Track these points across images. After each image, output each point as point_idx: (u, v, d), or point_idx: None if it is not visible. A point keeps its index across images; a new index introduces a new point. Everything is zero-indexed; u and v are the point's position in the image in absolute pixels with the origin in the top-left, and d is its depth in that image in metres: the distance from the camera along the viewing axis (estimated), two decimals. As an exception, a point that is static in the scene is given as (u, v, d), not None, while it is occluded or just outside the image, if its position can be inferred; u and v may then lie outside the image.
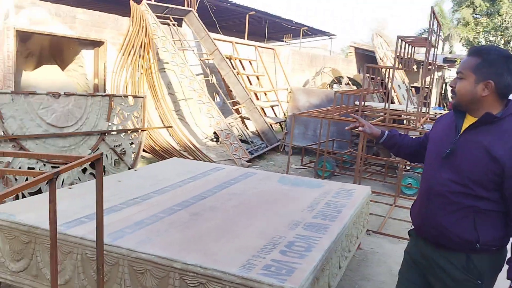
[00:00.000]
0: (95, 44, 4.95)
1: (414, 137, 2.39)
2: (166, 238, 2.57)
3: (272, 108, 11.43)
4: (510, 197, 1.74)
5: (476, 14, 26.33)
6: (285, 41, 17.11)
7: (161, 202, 3.27)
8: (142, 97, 5.57)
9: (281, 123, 10.76)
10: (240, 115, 9.86)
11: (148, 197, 3.37)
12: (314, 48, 22.89)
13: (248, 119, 9.90)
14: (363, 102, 6.25)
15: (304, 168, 7.64)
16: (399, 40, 5.02)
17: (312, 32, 19.24)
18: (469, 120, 1.86)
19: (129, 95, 5.28)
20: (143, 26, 7.76)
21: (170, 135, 8.29)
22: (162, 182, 3.81)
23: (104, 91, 5.16)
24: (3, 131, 3.88)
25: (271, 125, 10.81)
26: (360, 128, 2.38)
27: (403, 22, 69.64)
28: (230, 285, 2.17)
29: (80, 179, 4.66)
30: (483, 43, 24.59)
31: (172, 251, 2.37)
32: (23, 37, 4.56)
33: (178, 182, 3.86)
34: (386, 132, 2.33)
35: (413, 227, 2.11)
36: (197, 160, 7.64)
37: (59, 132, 4.38)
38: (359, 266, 3.84)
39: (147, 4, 8.10)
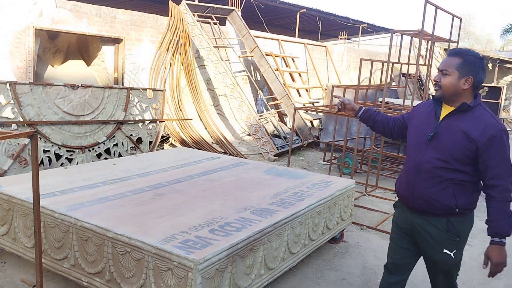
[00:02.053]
0: (115, 41, 5.40)
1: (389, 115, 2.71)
2: (115, 212, 2.85)
3: (313, 104, 11.42)
4: (482, 169, 2.19)
5: None
6: (340, 39, 16.89)
7: (137, 183, 3.58)
8: (162, 91, 5.95)
9: (318, 119, 10.74)
10: (278, 110, 10.02)
11: (128, 179, 3.69)
12: (380, 45, 22.28)
13: (286, 115, 10.02)
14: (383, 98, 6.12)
15: (329, 164, 7.62)
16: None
17: (373, 29, 18.77)
18: (446, 109, 2.28)
19: (148, 88, 5.68)
20: (180, 25, 8.21)
21: (205, 128, 8.67)
22: (151, 167, 4.13)
23: (122, 84, 5.60)
24: (21, 116, 4.42)
25: (311, 121, 10.85)
26: (339, 105, 2.70)
27: (491, 17, 64.58)
28: (148, 254, 2.40)
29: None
30: None
31: (111, 223, 2.65)
32: (51, 35, 5.13)
33: (166, 167, 4.16)
34: (363, 108, 2.69)
35: (397, 199, 2.53)
36: (227, 153, 7.94)
37: (75, 120, 4.87)
38: (334, 257, 3.87)
39: (186, 4, 8.54)
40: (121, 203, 3.05)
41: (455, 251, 2.29)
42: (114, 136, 5.33)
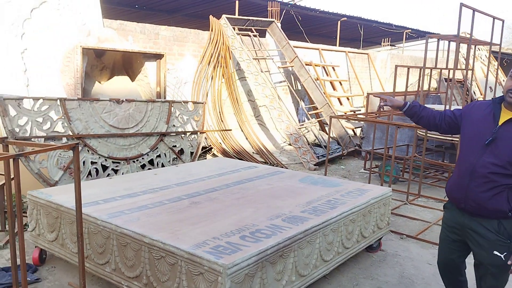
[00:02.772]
0: (157, 56, 5.66)
1: (435, 109, 2.76)
2: (152, 220, 3.00)
3: (354, 113, 11.31)
4: None
5: None
6: (383, 45, 16.63)
7: (175, 192, 3.73)
8: (202, 103, 6.15)
9: (357, 128, 10.62)
10: (319, 119, 10.01)
11: (167, 188, 3.86)
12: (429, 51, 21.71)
13: (327, 124, 9.99)
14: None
15: (372, 173, 7.53)
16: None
17: (418, 34, 18.36)
18: (506, 114, 2.31)
19: (189, 101, 5.89)
20: (221, 39, 8.44)
21: (246, 138, 8.82)
22: (190, 177, 4.29)
23: (164, 98, 5.84)
24: (70, 130, 4.73)
25: (353, 130, 10.74)
26: (382, 103, 2.82)
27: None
28: (181, 259, 2.52)
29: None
30: None
31: (148, 229, 2.80)
32: (98, 53, 5.46)
33: (204, 177, 4.30)
34: (408, 103, 2.73)
35: (448, 200, 2.60)
36: (267, 162, 8.03)
37: (120, 132, 5.14)
38: (371, 266, 3.83)
39: (226, 17, 8.77)
40: (159, 211, 3.20)
41: (505, 253, 2.32)
42: (157, 148, 5.55)
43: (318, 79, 10.56)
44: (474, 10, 4.27)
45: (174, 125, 5.74)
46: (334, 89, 11.39)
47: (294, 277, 2.86)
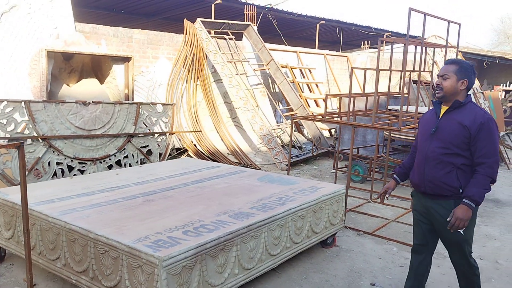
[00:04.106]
0: (125, 59, 5.76)
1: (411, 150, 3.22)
2: (102, 216, 3.11)
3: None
4: (474, 150, 2.67)
5: None
6: (363, 49, 16.88)
7: (132, 190, 3.84)
8: (171, 105, 6.26)
9: (332, 129, 10.80)
10: (294, 120, 10.17)
11: (126, 187, 3.96)
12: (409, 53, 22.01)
13: (302, 125, 10.15)
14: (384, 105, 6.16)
15: (343, 173, 7.70)
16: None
17: (398, 37, 18.63)
18: (444, 108, 2.81)
19: (157, 103, 6.00)
20: (195, 41, 8.57)
21: (221, 140, 8.94)
22: (151, 176, 4.39)
23: (132, 99, 5.94)
24: (35, 132, 4.81)
25: (329, 131, 10.92)
26: (387, 195, 3.17)
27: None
28: (122, 252, 2.63)
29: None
30: None
31: (95, 225, 2.91)
32: (66, 57, 5.55)
33: (164, 176, 4.41)
34: (394, 176, 3.21)
35: (413, 189, 3.02)
36: (241, 163, 8.16)
37: (86, 134, 5.23)
38: (323, 261, 3.97)
39: (201, 21, 8.90)
40: (111, 208, 3.31)
41: (464, 229, 2.67)
42: (124, 149, 5.65)
43: (293, 82, 10.72)
44: (424, 14, 4.44)
45: (141, 127, 5.84)
46: (311, 91, 11.56)
47: (237, 270, 2.98)
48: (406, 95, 6.20)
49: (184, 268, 2.57)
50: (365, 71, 5.84)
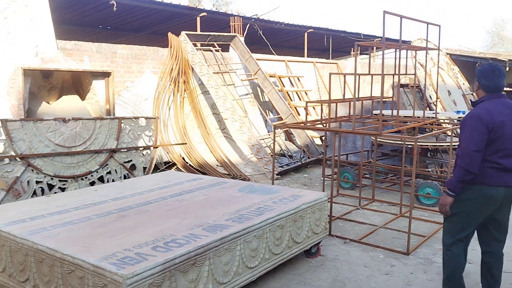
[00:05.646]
0: (105, 74, 5.74)
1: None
2: (72, 234, 3.02)
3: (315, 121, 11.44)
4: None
5: None
6: (353, 55, 16.88)
7: (108, 207, 3.75)
8: (154, 118, 6.20)
9: (323, 136, 10.74)
10: (285, 129, 10.11)
11: (102, 203, 3.87)
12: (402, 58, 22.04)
13: (293, 134, 10.10)
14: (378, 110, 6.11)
15: (330, 180, 7.60)
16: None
17: (372, 41, 18.67)
18: None
19: (140, 117, 5.94)
20: (180, 54, 8.54)
21: (210, 152, 8.87)
22: (130, 191, 4.31)
23: (113, 115, 5.89)
24: (13, 151, 4.74)
25: (320, 138, 10.85)
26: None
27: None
28: (87, 271, 2.54)
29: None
30: None
31: (63, 244, 2.82)
32: (45, 74, 5.52)
33: (144, 191, 4.32)
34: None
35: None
36: (231, 174, 8.08)
37: (66, 151, 5.16)
38: (307, 271, 3.87)
39: (186, 34, 8.88)
40: (83, 226, 3.23)
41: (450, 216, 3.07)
42: (107, 164, 5.58)
43: (281, 90, 10.69)
44: (401, 16, 4.41)
45: (124, 142, 5.77)
46: (301, 99, 11.52)
47: (211, 285, 2.89)
48: (389, 99, 6.15)
49: (151, 286, 2.48)
50: (344, 76, 5.80)
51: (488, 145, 2.89)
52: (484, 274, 3.19)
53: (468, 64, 16.95)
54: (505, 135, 2.88)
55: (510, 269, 3.83)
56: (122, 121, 5.74)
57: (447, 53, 14.11)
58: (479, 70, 3.07)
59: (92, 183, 5.43)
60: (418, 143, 4.81)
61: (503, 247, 3.16)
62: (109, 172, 5.61)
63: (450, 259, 3.08)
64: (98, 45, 7.47)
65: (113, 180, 5.59)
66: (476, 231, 3.14)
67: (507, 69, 14.60)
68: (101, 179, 5.54)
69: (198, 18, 10.69)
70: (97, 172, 5.46)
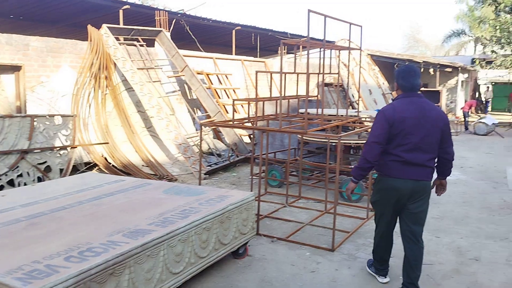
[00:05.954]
0: (15, 68, 5.26)
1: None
2: (-30, 247, 2.69)
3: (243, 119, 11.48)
4: None
5: (498, 12, 25.22)
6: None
7: (16, 214, 3.41)
8: (72, 116, 5.79)
9: (251, 135, 10.80)
10: (213, 127, 9.98)
11: (9, 210, 3.52)
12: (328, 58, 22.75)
13: (221, 132, 10.01)
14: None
15: (258, 178, 7.61)
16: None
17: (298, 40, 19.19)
18: None
19: (56, 115, 5.53)
20: (101, 48, 8.09)
21: (136, 151, 8.51)
22: (43, 196, 3.96)
23: (25, 112, 5.42)
24: None
25: (249, 136, 10.87)
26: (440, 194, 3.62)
27: (438, 24, 67.13)
28: (-13, 290, 2.26)
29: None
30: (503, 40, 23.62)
31: (-41, 259, 2.49)
32: None
33: (59, 195, 3.99)
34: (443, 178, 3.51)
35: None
36: (157, 175, 7.80)
37: (-32, 152, 4.64)
38: (235, 273, 3.80)
39: (108, 27, 8.44)
40: (-15, 237, 2.89)
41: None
42: (18, 166, 5.12)
43: (209, 88, 10.55)
44: (325, 16, 4.47)
45: (37, 142, 5.33)
46: (229, 97, 11.45)
47: (132, 294, 2.72)
48: (314, 98, 6.25)
49: (63, 301, 2.26)
50: (271, 74, 5.80)
51: (391, 139, 3.14)
52: (404, 266, 3.33)
53: (387, 65, 17.97)
54: (407, 131, 3.10)
55: (428, 261, 4.02)
56: (35, 119, 5.30)
57: (369, 54, 14.78)
58: (397, 71, 3.28)
59: (1, 188, 4.96)
60: (341, 141, 4.92)
61: (420, 239, 3.31)
62: (20, 175, 5.15)
63: (376, 236, 3.60)
64: (8, 36, 6.84)
65: (24, 184, 5.14)
66: (399, 224, 3.41)
67: (422, 70, 15.61)
68: (11, 183, 5.07)
69: (121, 11, 10.23)
70: (6, 175, 4.99)
